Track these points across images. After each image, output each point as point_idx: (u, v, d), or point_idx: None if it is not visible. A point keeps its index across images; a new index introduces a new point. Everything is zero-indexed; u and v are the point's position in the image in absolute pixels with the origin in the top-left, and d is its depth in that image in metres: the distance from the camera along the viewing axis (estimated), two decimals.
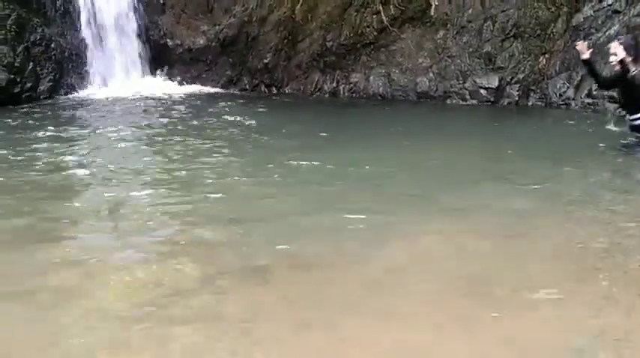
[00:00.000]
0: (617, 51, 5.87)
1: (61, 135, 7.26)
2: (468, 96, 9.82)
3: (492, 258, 3.53)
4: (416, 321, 2.77)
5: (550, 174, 5.34)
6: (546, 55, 9.55)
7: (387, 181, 5.20)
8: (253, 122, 8.06)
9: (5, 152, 6.28)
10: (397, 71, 10.29)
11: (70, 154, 6.20)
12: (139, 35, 11.21)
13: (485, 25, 9.91)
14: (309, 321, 2.78)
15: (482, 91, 9.72)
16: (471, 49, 9.93)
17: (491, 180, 5.19)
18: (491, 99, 9.67)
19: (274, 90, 11.07)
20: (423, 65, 10.18)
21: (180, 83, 11.20)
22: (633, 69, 5.81)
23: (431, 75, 10.12)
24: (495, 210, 4.34)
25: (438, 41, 10.15)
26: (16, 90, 9.73)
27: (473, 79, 9.81)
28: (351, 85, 10.56)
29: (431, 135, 7.23)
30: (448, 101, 9.90)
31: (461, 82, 9.90)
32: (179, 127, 7.77)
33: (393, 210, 4.36)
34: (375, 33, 10.38)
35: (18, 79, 9.75)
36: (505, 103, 9.61)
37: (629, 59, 5.84)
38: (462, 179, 5.24)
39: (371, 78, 10.42)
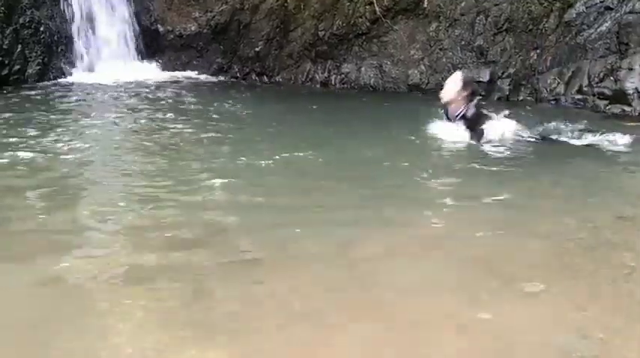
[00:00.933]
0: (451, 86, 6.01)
1: (45, 119, 7.19)
2: None
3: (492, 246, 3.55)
4: (403, 314, 2.78)
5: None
6: (537, 50, 9.56)
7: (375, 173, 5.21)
8: (241, 111, 8.03)
9: None
10: (389, 62, 10.27)
11: (51, 140, 6.13)
12: (129, 20, 11.10)
13: (478, 18, 9.90)
14: (298, 313, 2.78)
15: (474, 85, 9.70)
16: (463, 42, 9.92)
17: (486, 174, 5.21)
18: (483, 94, 9.66)
19: (265, 79, 11.02)
20: (415, 57, 10.17)
21: (170, 69, 11.12)
22: (464, 109, 5.97)
23: (422, 67, 10.10)
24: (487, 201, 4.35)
25: (431, 33, 10.13)
26: (4, 72, 9.61)
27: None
28: (343, 76, 10.52)
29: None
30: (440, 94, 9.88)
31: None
32: (166, 115, 7.68)
33: (381, 203, 4.37)
34: (368, 24, 10.34)
35: (6, 62, 9.63)
36: (496, 98, 9.62)
37: (463, 94, 5.94)
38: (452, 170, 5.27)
39: (362, 69, 10.39)
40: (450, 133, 6.43)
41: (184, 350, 2.46)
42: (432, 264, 3.36)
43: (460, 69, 9.77)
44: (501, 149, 6.11)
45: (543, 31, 9.51)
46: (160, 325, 2.65)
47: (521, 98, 9.51)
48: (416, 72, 10.11)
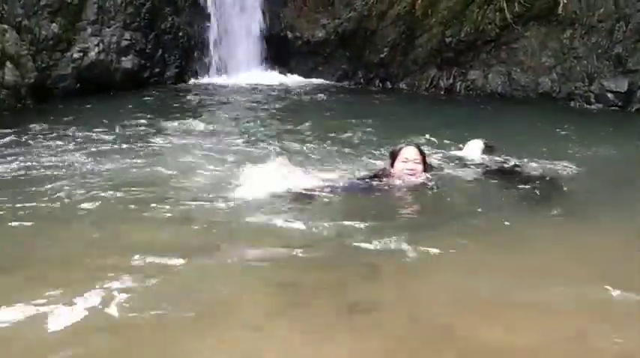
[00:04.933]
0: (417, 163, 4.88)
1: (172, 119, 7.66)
2: (593, 100, 9.34)
3: None
4: None
5: None
6: None
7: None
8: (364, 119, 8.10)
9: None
10: (518, 70, 9.96)
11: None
12: (260, 28, 11.52)
13: (618, 25, 9.37)
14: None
15: (610, 95, 9.21)
16: (599, 51, 9.43)
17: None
18: (619, 104, 9.14)
19: (389, 85, 11.04)
20: (547, 65, 9.79)
21: (297, 75, 11.42)
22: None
23: (554, 75, 9.71)
24: None
25: (564, 41, 9.72)
26: (145, 75, 10.32)
27: (600, 82, 9.31)
28: (469, 83, 10.34)
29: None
30: (572, 103, 9.47)
31: (586, 84, 9.42)
32: (287, 118, 7.91)
33: None
34: (497, 30, 10.08)
35: (148, 65, 10.34)
36: (634, 109, 9.06)
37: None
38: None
39: (490, 76, 10.15)
40: None
41: None
42: None
43: (595, 78, 9.32)
44: None
45: None
46: None
47: None
48: (547, 80, 9.73)
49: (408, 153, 4.87)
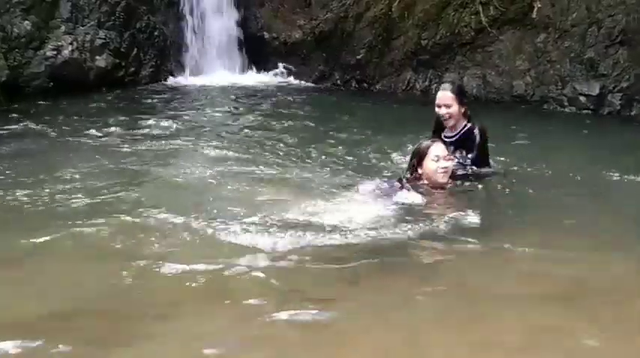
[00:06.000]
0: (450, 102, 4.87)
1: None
2: (566, 103, 9.47)
3: None
4: None
5: None
6: None
7: None
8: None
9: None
10: (493, 73, 10.06)
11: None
12: (236, 27, 11.47)
13: (590, 30, 9.51)
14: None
15: (582, 98, 9.35)
16: (572, 54, 9.56)
17: None
18: (591, 107, 9.29)
19: (365, 87, 11.08)
20: (521, 68, 9.90)
21: (274, 76, 11.39)
22: (467, 125, 4.92)
23: (528, 79, 9.82)
24: None
25: (538, 44, 9.83)
26: (120, 74, 10.21)
27: (572, 85, 9.45)
28: None
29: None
30: (545, 106, 9.60)
31: (559, 87, 9.55)
32: (266, 120, 7.90)
33: None
34: (473, 33, 10.17)
35: (122, 64, 10.22)
36: (605, 112, 9.21)
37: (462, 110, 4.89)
38: None
39: (465, 78, 10.22)
40: None
41: None
42: None
43: (568, 81, 9.47)
44: None
45: None
46: None
47: (634, 113, 9.06)
48: (521, 83, 9.85)
49: (439, 150, 4.56)
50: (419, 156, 4.58)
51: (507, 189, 4.94)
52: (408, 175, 4.65)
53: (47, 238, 3.76)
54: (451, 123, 4.95)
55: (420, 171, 4.56)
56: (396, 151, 6.02)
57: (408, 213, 4.23)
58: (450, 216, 4.17)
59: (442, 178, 4.52)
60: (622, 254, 3.79)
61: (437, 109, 4.95)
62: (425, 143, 4.66)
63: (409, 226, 3.97)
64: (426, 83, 10.59)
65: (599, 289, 3.29)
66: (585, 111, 9.27)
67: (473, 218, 4.15)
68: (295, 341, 2.74)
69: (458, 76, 10.26)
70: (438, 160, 4.50)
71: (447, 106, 4.91)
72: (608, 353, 2.65)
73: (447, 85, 5.22)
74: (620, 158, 6.26)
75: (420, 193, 4.44)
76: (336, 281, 3.37)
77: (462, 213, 4.21)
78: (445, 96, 4.96)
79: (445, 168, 4.52)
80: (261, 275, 3.31)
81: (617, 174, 5.58)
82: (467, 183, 4.82)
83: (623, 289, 3.33)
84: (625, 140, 7.49)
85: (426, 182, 4.56)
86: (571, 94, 9.43)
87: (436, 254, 3.84)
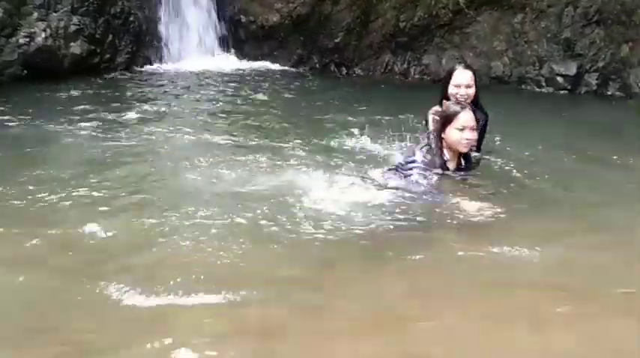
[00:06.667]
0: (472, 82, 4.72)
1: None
2: (543, 83, 9.55)
3: None
4: None
5: None
6: (630, 44, 9.17)
7: None
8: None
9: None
10: (471, 54, 10.08)
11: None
12: (213, 11, 11.32)
13: (566, 10, 9.58)
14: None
15: (559, 79, 9.44)
16: (549, 35, 9.63)
17: None
18: (568, 87, 9.37)
19: (344, 70, 11.03)
20: (498, 49, 9.95)
21: (252, 60, 11.29)
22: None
23: (506, 59, 9.88)
24: None
25: (515, 25, 9.88)
26: (95, 60, 10.02)
27: (550, 66, 9.52)
28: (423, 67, 10.42)
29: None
30: (523, 87, 9.66)
31: (537, 68, 9.63)
32: (242, 105, 7.83)
33: None
34: (450, 15, 10.17)
35: (98, 50, 10.04)
36: (582, 92, 9.30)
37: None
38: None
39: (443, 60, 10.24)
40: None
41: None
42: None
43: (545, 61, 9.52)
44: None
45: (637, 23, 9.11)
46: None
47: (609, 93, 9.18)
48: (499, 64, 9.90)
49: (466, 119, 4.26)
50: (444, 120, 4.35)
51: (505, 176, 4.93)
52: (432, 136, 4.44)
53: None
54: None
55: (442, 134, 4.37)
56: (374, 135, 5.99)
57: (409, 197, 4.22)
58: (452, 202, 4.14)
59: (464, 148, 4.34)
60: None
61: (455, 90, 4.66)
62: (453, 107, 4.37)
63: (404, 211, 4.00)
64: (405, 65, 10.58)
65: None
66: (563, 92, 9.35)
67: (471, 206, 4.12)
68: (286, 327, 2.75)
69: (437, 58, 10.27)
70: (464, 129, 4.25)
71: (468, 86, 4.69)
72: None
73: (463, 66, 5.01)
74: (598, 136, 6.33)
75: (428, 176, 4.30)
76: (322, 267, 3.39)
77: (460, 201, 4.17)
78: (467, 75, 4.73)
79: (469, 139, 4.31)
80: (251, 263, 3.33)
81: (597, 153, 5.65)
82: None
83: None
84: (602, 118, 7.58)
85: (445, 147, 4.38)
86: (548, 75, 9.51)
87: (430, 240, 3.81)
